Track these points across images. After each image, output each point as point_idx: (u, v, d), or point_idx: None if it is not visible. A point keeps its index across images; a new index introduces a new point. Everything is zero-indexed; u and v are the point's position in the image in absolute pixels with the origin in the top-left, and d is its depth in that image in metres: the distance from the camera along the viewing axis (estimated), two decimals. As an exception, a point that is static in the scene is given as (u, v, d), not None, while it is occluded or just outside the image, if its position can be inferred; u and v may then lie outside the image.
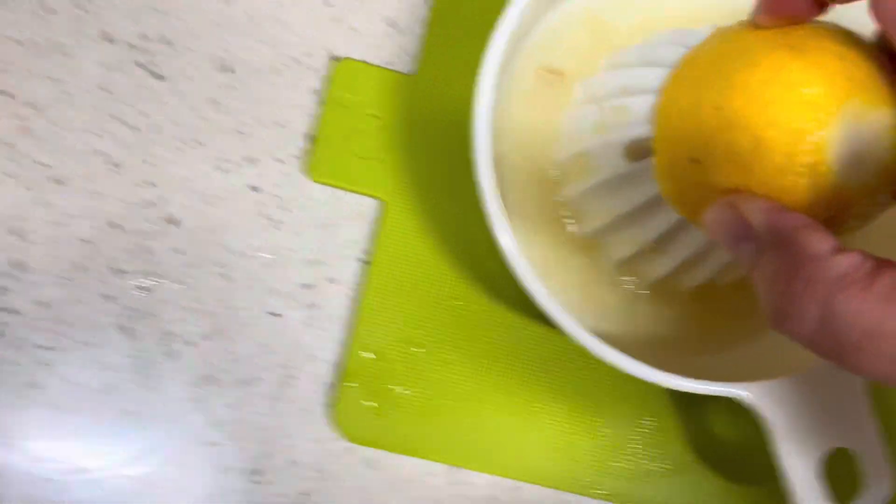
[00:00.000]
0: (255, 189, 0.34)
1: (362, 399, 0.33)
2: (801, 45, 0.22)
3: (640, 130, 0.30)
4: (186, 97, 0.34)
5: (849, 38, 0.22)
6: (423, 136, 0.35)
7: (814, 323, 0.19)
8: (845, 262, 0.19)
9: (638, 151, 0.30)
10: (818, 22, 0.23)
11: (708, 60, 0.24)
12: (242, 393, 0.33)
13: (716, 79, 0.23)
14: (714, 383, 0.30)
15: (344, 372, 0.33)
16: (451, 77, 0.36)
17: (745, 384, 0.30)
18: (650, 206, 0.31)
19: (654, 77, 0.30)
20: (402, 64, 0.36)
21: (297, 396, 0.34)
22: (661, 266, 0.33)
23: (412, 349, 0.34)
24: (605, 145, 0.31)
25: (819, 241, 0.19)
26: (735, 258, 0.22)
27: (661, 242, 0.32)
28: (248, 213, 0.34)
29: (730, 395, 0.30)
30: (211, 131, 0.34)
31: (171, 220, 0.34)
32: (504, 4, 0.36)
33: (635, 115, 0.30)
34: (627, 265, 0.34)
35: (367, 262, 0.35)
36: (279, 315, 0.34)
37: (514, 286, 0.29)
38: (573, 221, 0.34)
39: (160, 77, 0.34)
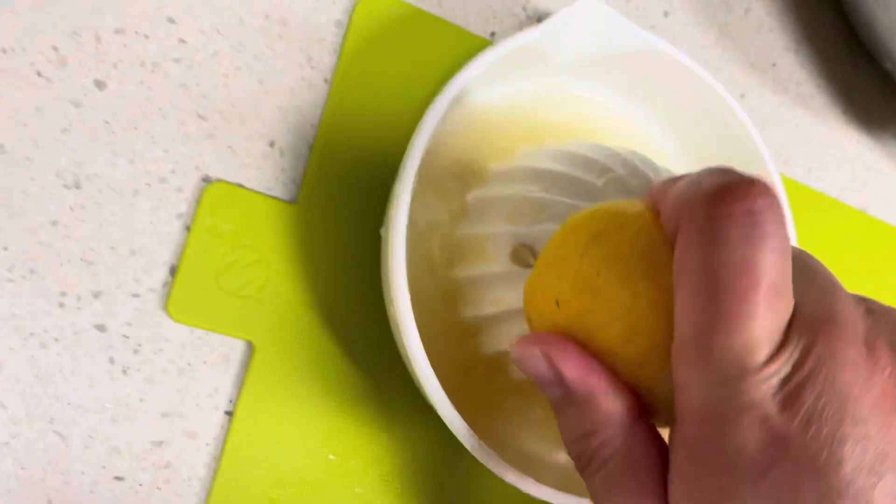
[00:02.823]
0: (100, 328, 0.29)
1: (218, 577, 0.29)
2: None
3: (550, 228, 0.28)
4: (21, 217, 0.29)
5: None
6: (303, 272, 0.32)
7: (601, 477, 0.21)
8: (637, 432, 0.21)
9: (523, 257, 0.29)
10: None
11: (589, 229, 0.24)
12: (71, 578, 0.28)
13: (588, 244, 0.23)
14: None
15: (198, 545, 0.29)
16: (336, 207, 0.33)
17: None
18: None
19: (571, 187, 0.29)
20: (283, 190, 0.32)
21: (140, 578, 0.29)
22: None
23: (279, 515, 0.30)
24: (513, 236, 0.29)
25: (613, 403, 0.21)
26: (541, 391, 0.23)
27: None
28: (89, 357, 0.29)
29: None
30: (49, 258, 0.29)
31: (-9, 366, 0.28)
32: (391, 130, 0.34)
33: (549, 214, 0.29)
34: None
35: (232, 414, 0.31)
36: (122, 479, 0.29)
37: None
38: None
39: (-13, 189, 0.28)
